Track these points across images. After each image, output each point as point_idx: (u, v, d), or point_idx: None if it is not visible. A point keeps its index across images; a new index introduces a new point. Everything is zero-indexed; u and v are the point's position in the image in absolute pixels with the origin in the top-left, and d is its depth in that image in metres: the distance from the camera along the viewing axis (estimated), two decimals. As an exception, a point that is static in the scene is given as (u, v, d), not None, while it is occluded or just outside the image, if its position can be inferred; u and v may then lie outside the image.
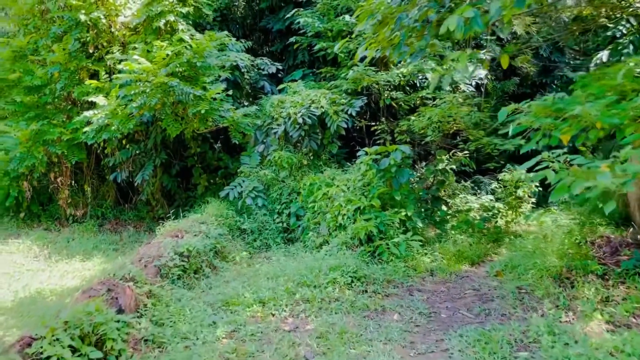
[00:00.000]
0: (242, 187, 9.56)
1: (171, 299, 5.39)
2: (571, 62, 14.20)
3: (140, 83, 8.62)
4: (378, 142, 10.69)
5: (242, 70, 11.27)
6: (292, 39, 12.07)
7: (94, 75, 10.30)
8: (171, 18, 9.57)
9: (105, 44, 10.23)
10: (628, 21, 7.53)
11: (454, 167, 10.13)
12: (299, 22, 11.73)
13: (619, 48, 7.21)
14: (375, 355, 4.40)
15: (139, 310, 4.87)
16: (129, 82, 8.86)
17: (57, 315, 3.61)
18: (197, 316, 5.15)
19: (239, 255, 7.76)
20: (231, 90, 10.13)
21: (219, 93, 9.23)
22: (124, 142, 10.67)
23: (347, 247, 7.34)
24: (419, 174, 11.14)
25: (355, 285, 6.23)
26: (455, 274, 7.20)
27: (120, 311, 4.47)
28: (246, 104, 11.70)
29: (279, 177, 9.83)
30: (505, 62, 5.28)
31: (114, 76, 8.82)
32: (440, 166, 10.17)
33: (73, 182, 11.37)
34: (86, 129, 9.31)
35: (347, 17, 11.41)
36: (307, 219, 8.67)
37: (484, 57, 6.20)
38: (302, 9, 12.08)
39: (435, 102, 10.63)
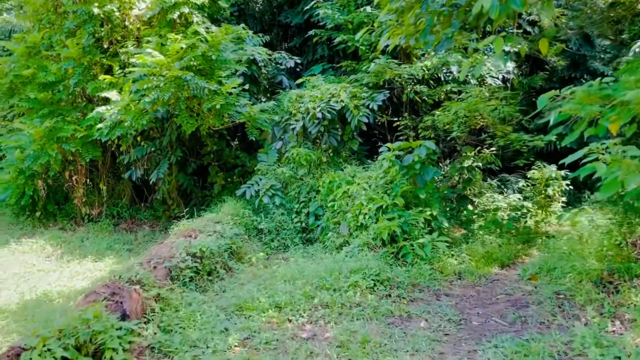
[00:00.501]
0: (259, 185, 9.21)
1: (181, 303, 5.05)
2: (602, 55, 13.57)
3: (154, 77, 8.33)
4: (400, 138, 10.25)
5: (260, 64, 10.91)
6: (311, 32, 11.67)
7: (109, 71, 10.06)
8: (185, 10, 9.25)
9: (119, 38, 9.98)
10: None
11: (480, 164, 9.66)
12: (318, 15, 11.34)
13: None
14: (402, 368, 4.00)
15: (145, 315, 4.54)
16: (142, 76, 8.57)
17: (50, 323, 3.26)
18: (208, 322, 4.79)
19: (255, 256, 7.40)
20: (248, 85, 9.77)
21: (234, 87, 8.89)
22: (138, 139, 10.41)
23: (368, 248, 6.93)
24: (443, 172, 10.67)
25: (378, 289, 5.81)
26: (485, 277, 6.74)
27: (124, 317, 4.14)
28: (264, 99, 11.34)
29: (297, 174, 9.45)
30: (544, 47, 4.80)
31: (125, 70, 8.54)
32: (466, 163, 9.70)
33: (88, 180, 11.15)
34: (99, 125, 9.06)
35: (368, 8, 10.99)
36: (327, 219, 8.28)
37: (520, 44, 5.72)
38: (321, 1, 11.69)
39: (461, 97, 10.16)
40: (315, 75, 10.92)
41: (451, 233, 8.46)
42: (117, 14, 9.33)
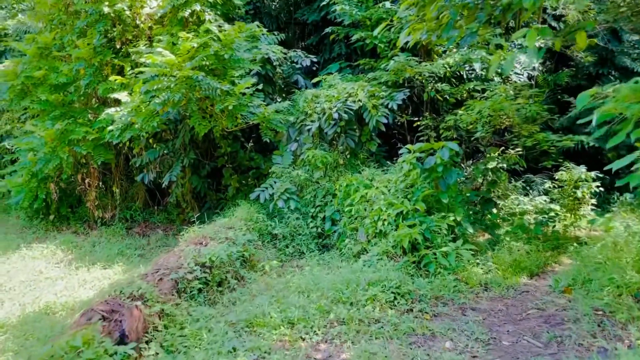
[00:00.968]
0: (273, 188, 8.87)
1: (187, 320, 4.72)
2: (630, 51, 12.94)
3: (165, 78, 8.03)
4: (421, 139, 9.81)
5: (274, 63, 10.57)
6: (328, 29, 11.28)
7: (121, 72, 9.82)
8: (197, 7, 8.94)
9: (131, 38, 9.73)
10: None
11: (504, 165, 9.18)
12: (335, 11, 10.94)
13: None
14: (426, 399, 3.60)
15: (147, 334, 4.21)
16: (153, 77, 8.29)
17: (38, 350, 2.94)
18: (215, 340, 4.45)
19: (269, 265, 7.05)
20: (262, 85, 9.43)
21: (248, 87, 8.55)
22: (151, 141, 10.16)
23: (388, 257, 6.53)
24: (465, 174, 10.20)
25: (398, 302, 5.41)
26: (513, 288, 6.29)
27: (122, 337, 3.81)
28: (279, 99, 11.00)
29: (313, 177, 9.08)
30: (582, 40, 4.35)
31: (135, 70, 8.26)
32: (490, 165, 9.22)
33: (101, 183, 10.94)
34: (110, 127, 8.81)
35: (387, 3, 10.56)
36: (344, 224, 7.90)
37: (555, 37, 5.25)
38: (338, -3, 11.29)
39: (485, 95, 9.69)
40: (332, 74, 10.53)
41: (475, 239, 8.01)
42: (127, 12, 9.07)
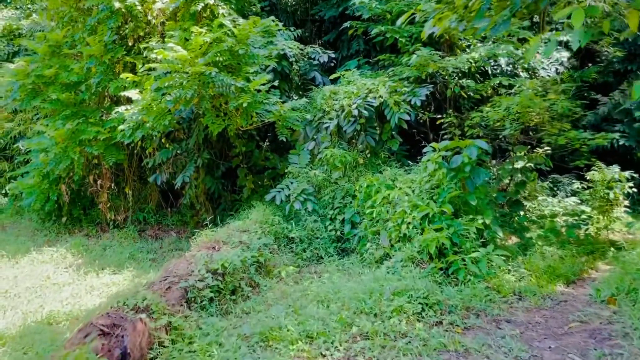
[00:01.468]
0: (289, 189, 8.48)
1: (196, 333, 4.32)
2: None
3: (176, 74, 7.68)
4: (445, 137, 9.34)
5: (291, 59, 10.17)
6: (347, 24, 10.85)
7: (133, 70, 9.52)
8: (210, 1, 8.59)
9: (143, 34, 9.42)
10: None
11: (531, 165, 8.67)
12: (354, 5, 10.50)
13: None
14: None
15: (152, 349, 3.84)
16: (165, 74, 7.95)
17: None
18: (227, 357, 4.05)
19: (285, 270, 6.65)
20: (278, 82, 9.05)
21: (263, 84, 8.16)
22: (163, 141, 9.83)
23: (413, 263, 6.08)
24: (492, 174, 9.70)
25: (426, 314, 4.96)
26: (550, 298, 5.80)
27: (124, 355, 3.44)
28: (295, 97, 10.61)
29: (331, 178, 8.66)
30: (634, 20, 3.86)
31: (145, 66, 7.93)
32: (518, 164, 8.71)
33: (113, 184, 10.65)
34: (121, 127, 8.50)
35: (408, -5, 10.12)
36: (365, 227, 7.45)
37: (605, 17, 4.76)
38: (357, -10, 10.85)
39: (512, 91, 9.19)
40: (350, 70, 10.10)
41: (504, 243, 7.52)
42: (139, 7, 8.75)
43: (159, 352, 3.89)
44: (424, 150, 7.36)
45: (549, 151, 8.67)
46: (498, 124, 8.67)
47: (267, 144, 11.05)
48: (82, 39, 9.47)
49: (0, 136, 13.09)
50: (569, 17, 3.87)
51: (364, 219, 7.61)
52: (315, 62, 10.99)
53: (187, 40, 8.19)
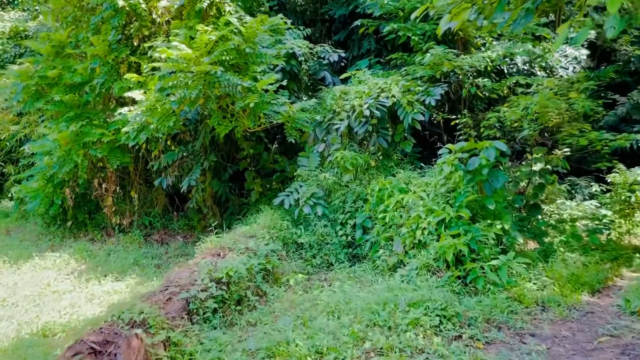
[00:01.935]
0: (298, 193, 8.17)
1: (197, 349, 4.01)
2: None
3: (181, 74, 7.41)
4: (459, 138, 8.99)
5: (300, 59, 9.86)
6: (357, 22, 10.53)
7: (138, 71, 9.27)
8: (216, -2, 8.34)
9: (148, 34, 9.17)
10: None
11: (548, 167, 8.30)
12: (364, 2, 10.19)
13: None
14: None
15: (148, 368, 3.53)
16: (170, 73, 7.68)
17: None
18: (229, 376, 3.75)
19: (294, 278, 6.34)
20: (286, 82, 8.75)
21: (271, 84, 7.86)
22: (169, 143, 9.57)
23: (429, 272, 5.74)
24: (509, 177, 9.32)
25: (445, 327, 4.61)
26: (576, 308, 5.42)
27: (116, 376, 3.14)
28: (304, 97, 10.30)
29: (342, 181, 8.34)
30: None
31: (148, 65, 7.66)
32: (537, 167, 8.34)
33: (118, 188, 10.40)
34: (125, 129, 8.23)
35: (422, -8, 9.77)
36: (377, 232, 7.12)
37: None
38: (368, -13, 10.55)
39: (530, 90, 8.82)
40: (361, 70, 9.78)
41: (524, 249, 7.16)
42: (143, 6, 8.49)
43: (156, 371, 3.60)
44: (439, 152, 7.03)
45: (568, 153, 8.30)
46: (516, 124, 8.31)
47: (276, 146, 10.75)
48: (86, 38, 9.24)
49: (6, 139, 12.93)
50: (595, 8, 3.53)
51: (376, 224, 7.28)
52: (325, 62, 10.68)
53: (192, 39, 7.91)
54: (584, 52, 11.08)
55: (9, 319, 5.65)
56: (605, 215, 8.38)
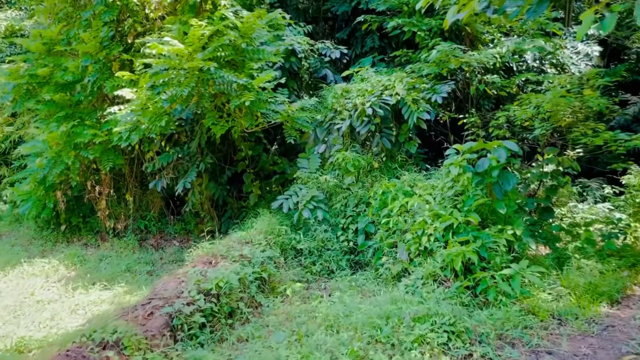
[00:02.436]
0: (298, 196, 7.77)
1: (178, 372, 3.63)
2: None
3: (173, 70, 7.03)
4: (467, 139, 8.57)
5: (300, 56, 9.47)
6: (360, 18, 10.14)
7: (131, 69, 8.90)
8: (211, -9, 7.96)
9: (141, 30, 8.81)
10: None
11: (561, 168, 7.87)
12: (367, -1, 9.80)
13: None
14: None
15: (121, 396, 3.14)
16: (162, 70, 7.30)
17: None
18: (212, 403, 3.35)
19: (291, 288, 5.93)
20: (285, 80, 8.36)
21: (269, 81, 7.46)
22: (163, 144, 9.19)
23: (435, 281, 5.32)
24: (519, 179, 8.90)
25: (454, 345, 4.19)
26: (595, 322, 4.98)
27: (79, 408, 2.75)
28: (305, 96, 9.90)
29: (344, 183, 7.93)
30: None
31: (138, 61, 7.28)
32: (548, 168, 7.92)
33: (112, 191, 10.03)
34: (116, 129, 7.85)
35: (426, -14, 9.36)
36: (380, 238, 6.70)
37: None
38: (372, -18, 10.15)
39: (541, 88, 8.40)
40: (364, 67, 9.37)
41: (536, 256, 6.73)
42: (135, 0, 8.11)
43: (129, 398, 3.21)
44: (446, 153, 6.61)
45: (580, 153, 7.88)
46: (526, 123, 7.89)
47: (276, 147, 10.36)
48: (78, 35, 8.88)
49: (0, 140, 12.62)
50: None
51: (379, 229, 6.87)
52: (327, 59, 10.29)
53: (186, 35, 7.53)
54: (597, 49, 10.66)
55: (-15, 332, 5.29)
56: (620, 219, 7.94)
